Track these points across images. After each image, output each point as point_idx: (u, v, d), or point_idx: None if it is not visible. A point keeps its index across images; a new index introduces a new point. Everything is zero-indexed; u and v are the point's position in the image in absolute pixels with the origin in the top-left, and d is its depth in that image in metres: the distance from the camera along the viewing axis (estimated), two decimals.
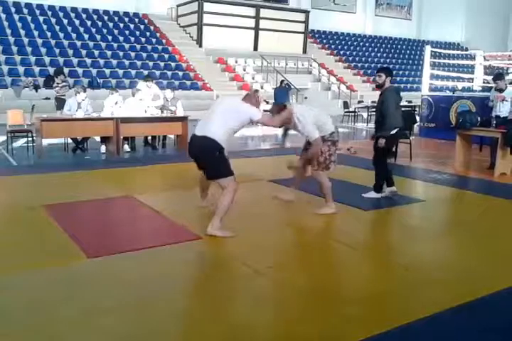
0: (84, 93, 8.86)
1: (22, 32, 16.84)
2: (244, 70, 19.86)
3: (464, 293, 3.14)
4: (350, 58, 24.30)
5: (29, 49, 16.09)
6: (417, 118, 11.10)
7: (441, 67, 20.53)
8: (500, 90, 7.67)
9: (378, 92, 5.60)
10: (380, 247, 4.21)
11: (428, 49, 13.11)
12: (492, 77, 8.63)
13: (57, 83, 11.05)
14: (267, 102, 14.45)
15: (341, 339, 2.54)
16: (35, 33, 17.04)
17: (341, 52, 24.59)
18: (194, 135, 4.22)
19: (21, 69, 15.06)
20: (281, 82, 15.47)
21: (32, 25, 17.37)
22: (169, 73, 17.58)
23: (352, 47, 25.63)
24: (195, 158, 4.26)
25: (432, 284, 3.32)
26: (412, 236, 4.48)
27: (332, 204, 4.95)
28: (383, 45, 27.21)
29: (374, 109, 6.38)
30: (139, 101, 9.02)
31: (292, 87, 17.27)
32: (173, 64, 18.33)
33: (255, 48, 21.20)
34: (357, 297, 3.12)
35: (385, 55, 26.14)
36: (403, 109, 15.15)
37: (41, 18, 17.97)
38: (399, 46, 27.98)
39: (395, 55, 26.55)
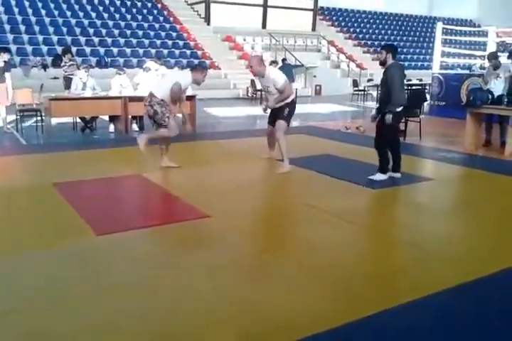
0: (85, 73, 8.80)
1: (29, 11, 16.74)
2: (253, 48, 19.64)
3: (471, 270, 3.15)
4: (360, 36, 23.93)
5: (37, 28, 16.02)
6: (428, 96, 10.98)
7: (453, 44, 20.16)
8: (495, 68, 7.87)
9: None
10: (388, 225, 4.22)
11: (439, 26, 12.87)
12: (487, 55, 9.20)
13: (65, 62, 10.99)
14: None
15: (349, 314, 2.57)
16: (43, 12, 16.94)
17: (351, 30, 24.22)
18: None
19: (29, 48, 15.02)
20: (283, 60, 15.20)
21: (39, 4, 17.26)
22: (177, 52, 17.45)
23: (362, 25, 25.23)
24: None
25: (440, 261, 3.33)
26: (421, 215, 4.48)
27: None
28: (394, 22, 26.75)
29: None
30: (149, 78, 9.03)
31: (296, 64, 17.00)
32: (180, 42, 18.18)
33: (264, 26, 20.94)
34: (366, 274, 3.14)
35: (395, 32, 25.72)
36: (414, 87, 15.02)
37: None
38: (410, 23, 27.49)
39: (406, 33, 26.11)
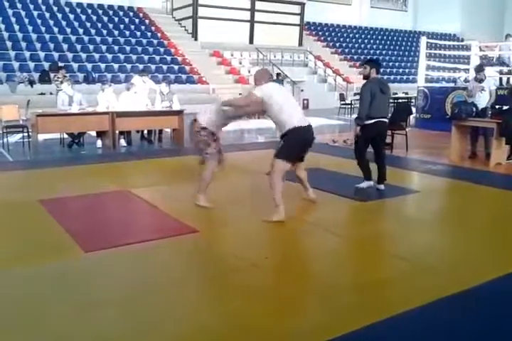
0: (68, 86, 8.79)
1: (16, 27, 16.72)
2: (240, 63, 19.78)
3: (458, 281, 3.16)
4: (346, 50, 24.23)
5: (23, 44, 15.99)
6: (413, 109, 11.11)
7: (437, 58, 20.48)
8: (480, 81, 7.96)
9: None
10: (376, 237, 4.23)
11: (424, 40, 13.08)
12: (474, 67, 9.22)
13: (58, 77, 10.96)
14: None
15: (340, 327, 2.56)
16: (30, 28, 16.92)
17: (337, 44, 24.51)
18: (309, 125, 4.50)
19: (16, 64, 14.97)
20: (278, 75, 15.23)
21: (26, 20, 17.25)
22: (165, 67, 17.51)
23: (348, 39, 25.55)
24: (308, 145, 4.59)
25: (428, 273, 3.35)
26: (408, 227, 4.50)
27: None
28: (379, 37, 27.12)
29: None
30: (134, 96, 9.01)
31: (286, 79, 17.12)
32: (168, 58, 18.26)
33: (251, 41, 21.11)
34: (353, 286, 3.14)
35: (381, 46, 26.08)
36: (399, 100, 15.11)
37: (35, 13, 17.84)
38: (395, 38, 27.90)
39: (391, 47, 26.48)
